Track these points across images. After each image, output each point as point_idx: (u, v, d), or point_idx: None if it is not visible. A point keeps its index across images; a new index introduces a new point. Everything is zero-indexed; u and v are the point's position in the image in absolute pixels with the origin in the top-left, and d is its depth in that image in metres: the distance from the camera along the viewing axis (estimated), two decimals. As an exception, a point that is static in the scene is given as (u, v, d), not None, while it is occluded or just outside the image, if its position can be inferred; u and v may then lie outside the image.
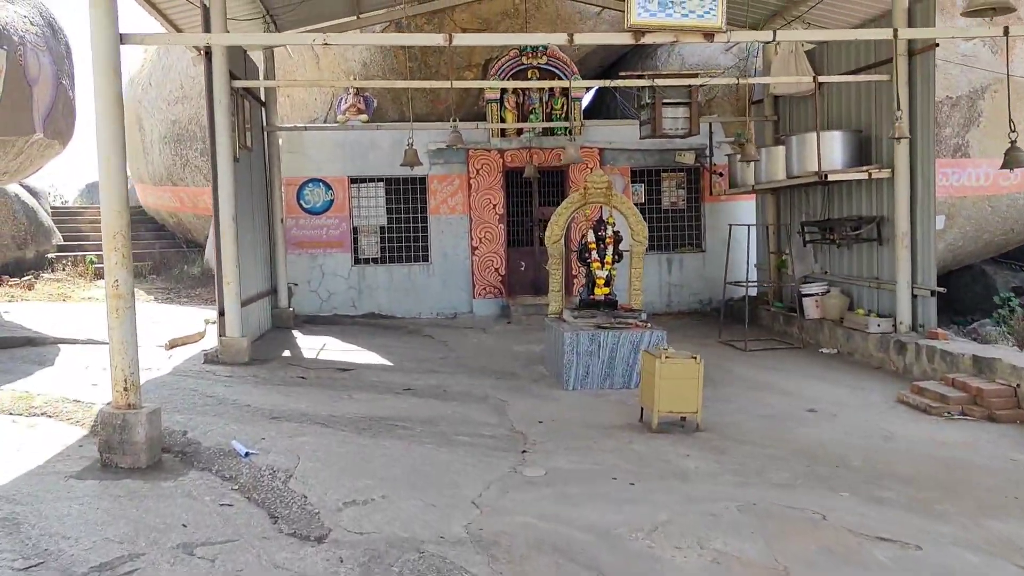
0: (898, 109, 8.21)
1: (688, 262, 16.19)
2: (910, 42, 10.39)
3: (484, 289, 15.63)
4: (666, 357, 7.62)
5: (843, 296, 12.22)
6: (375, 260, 15.70)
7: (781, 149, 12.66)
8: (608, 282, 10.31)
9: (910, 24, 10.36)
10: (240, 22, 11.99)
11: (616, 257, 10.33)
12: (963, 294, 16.58)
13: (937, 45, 10.24)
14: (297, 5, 12.32)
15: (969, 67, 13.92)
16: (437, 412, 8.21)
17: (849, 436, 7.52)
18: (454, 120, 9.29)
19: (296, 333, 13.40)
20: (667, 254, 16.17)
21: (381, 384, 9.50)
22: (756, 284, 14.23)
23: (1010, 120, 7.06)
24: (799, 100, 13.54)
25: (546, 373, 10.35)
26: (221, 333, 10.12)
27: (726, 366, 10.77)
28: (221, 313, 10.08)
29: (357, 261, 15.65)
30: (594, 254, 10.25)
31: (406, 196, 15.71)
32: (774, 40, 7.22)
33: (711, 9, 6.55)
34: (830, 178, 11.14)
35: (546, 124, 15.23)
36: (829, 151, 11.32)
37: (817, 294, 12.60)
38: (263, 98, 13.76)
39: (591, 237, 10.29)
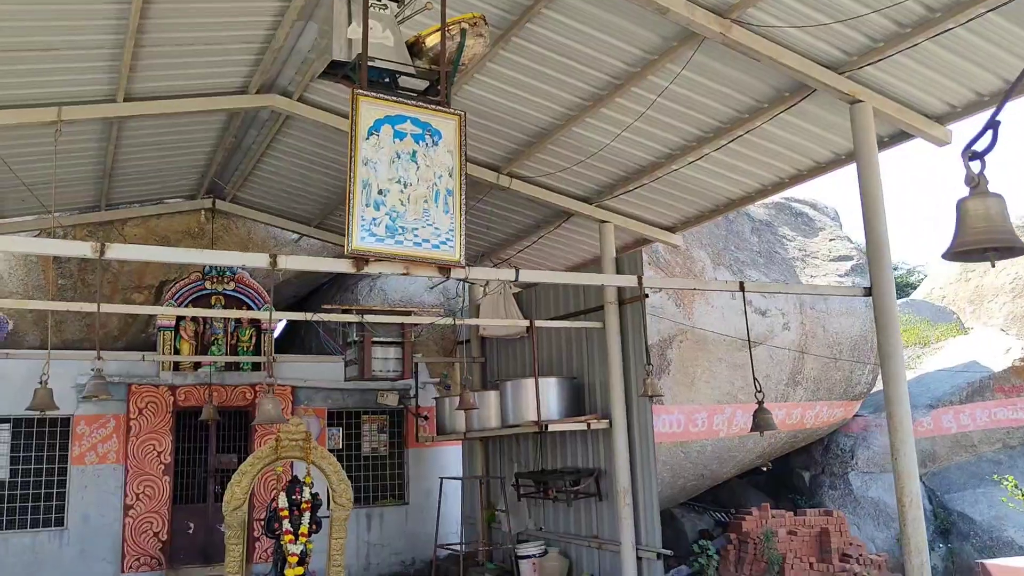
0: (648, 364, 7.63)
1: (390, 517, 14.40)
2: (620, 292, 10.30)
3: (137, 560, 12.46)
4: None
5: (563, 558, 11.15)
6: (-15, 526, 12.01)
7: (494, 395, 11.82)
8: (303, 559, 8.25)
9: (618, 271, 10.33)
10: None
11: (314, 527, 8.40)
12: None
13: (647, 296, 10.22)
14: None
15: (658, 318, 14.52)
16: None
17: None
18: (98, 357, 7.14)
19: None
20: (366, 508, 14.27)
21: None
22: (466, 544, 12.80)
23: (755, 380, 6.65)
24: (508, 343, 13.04)
25: None
26: None
27: (444, 657, 8.93)
28: None
29: (-44, 527, 11.86)
30: (286, 524, 8.23)
31: (41, 441, 12.47)
32: (516, 279, 6.34)
33: (448, 240, 5.49)
34: (550, 428, 10.35)
35: (231, 358, 13.23)
36: (545, 399, 10.63)
37: (534, 555, 11.41)
38: None
39: (283, 502, 8.31)
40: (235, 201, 13.08)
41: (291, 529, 8.24)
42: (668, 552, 9.70)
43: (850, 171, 7.87)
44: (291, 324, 17.85)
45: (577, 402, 11.00)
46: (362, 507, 14.24)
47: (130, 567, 12.41)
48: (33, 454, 12.40)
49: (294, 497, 8.35)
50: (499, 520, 12.73)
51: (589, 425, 10.35)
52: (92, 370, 7.34)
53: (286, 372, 13.85)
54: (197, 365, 13.21)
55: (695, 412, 14.72)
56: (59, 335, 13.02)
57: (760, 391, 6.50)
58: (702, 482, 16.33)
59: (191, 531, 12.91)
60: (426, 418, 14.47)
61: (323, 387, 14.08)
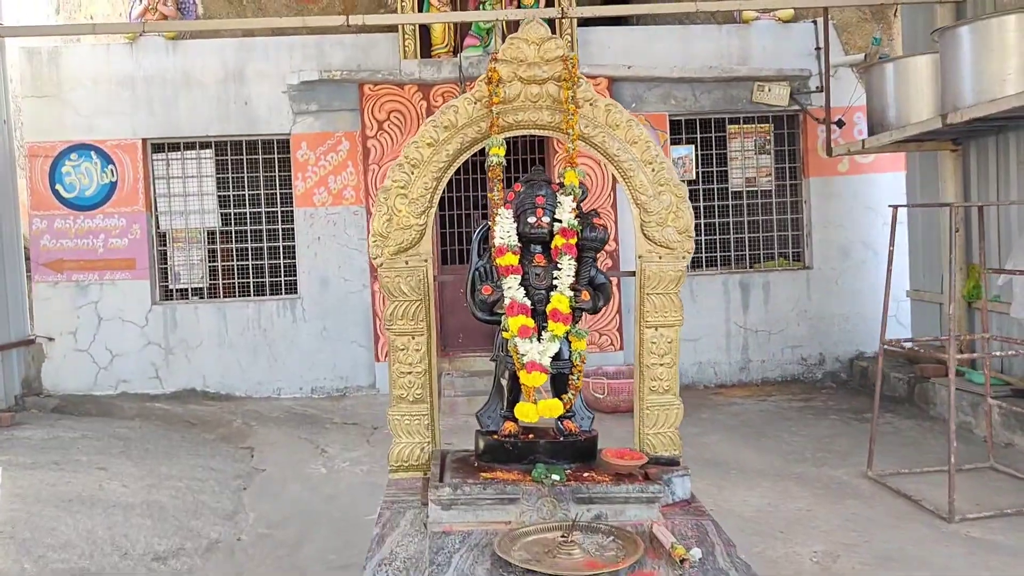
0: None
1: (779, 288, 8.88)
2: None
3: (397, 343, 8.57)
4: None
5: None
6: (198, 292, 8.78)
7: (1015, 18, 5.37)
8: (562, 380, 3.17)
9: None
10: None
11: (591, 293, 3.18)
12: None
13: None
14: None
15: None
16: None
17: None
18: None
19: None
20: (740, 273, 8.89)
21: None
22: (918, 340, 6.97)
23: None
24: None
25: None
26: None
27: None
28: None
29: (166, 295, 8.75)
30: (511, 287, 3.14)
31: (253, 174, 8.75)
32: None
33: None
34: None
35: (515, 10, 8.01)
36: None
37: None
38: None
39: (503, 233, 3.19)
40: None
41: (526, 301, 3.13)
42: None
43: None
44: None
45: None
46: (731, 271, 8.90)
47: (388, 353, 8.56)
48: (246, 194, 8.76)
49: (531, 222, 3.16)
50: (983, 292, 6.60)
51: None
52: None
53: (600, 53, 8.48)
54: (456, 49, 8.35)
55: None
56: (261, 13, 8.97)
57: None
58: None
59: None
60: (841, 124, 8.36)
61: (662, 77, 8.52)
